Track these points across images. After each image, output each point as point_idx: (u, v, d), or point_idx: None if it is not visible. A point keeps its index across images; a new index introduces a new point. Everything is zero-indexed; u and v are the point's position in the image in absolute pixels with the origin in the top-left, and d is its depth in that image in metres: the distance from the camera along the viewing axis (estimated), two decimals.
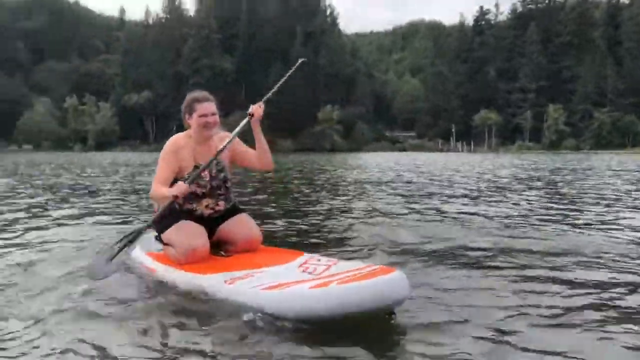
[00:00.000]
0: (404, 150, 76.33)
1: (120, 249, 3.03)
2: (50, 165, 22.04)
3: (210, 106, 3.17)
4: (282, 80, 3.36)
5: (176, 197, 3.00)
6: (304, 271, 2.70)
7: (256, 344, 2.21)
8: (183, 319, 2.49)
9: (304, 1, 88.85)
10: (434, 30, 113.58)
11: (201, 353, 2.13)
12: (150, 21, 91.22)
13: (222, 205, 3.27)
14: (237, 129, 3.27)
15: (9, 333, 2.35)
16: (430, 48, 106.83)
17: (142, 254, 3.33)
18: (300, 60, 3.58)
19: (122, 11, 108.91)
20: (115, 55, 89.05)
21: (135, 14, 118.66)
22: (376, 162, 27.20)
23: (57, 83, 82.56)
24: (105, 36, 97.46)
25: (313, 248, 3.87)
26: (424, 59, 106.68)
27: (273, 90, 3.33)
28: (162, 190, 3.08)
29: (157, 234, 3.26)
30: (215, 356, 2.11)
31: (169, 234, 3.12)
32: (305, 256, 2.98)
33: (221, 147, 3.16)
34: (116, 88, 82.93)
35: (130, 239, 3.06)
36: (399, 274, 2.43)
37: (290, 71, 3.42)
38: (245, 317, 2.39)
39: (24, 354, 2.14)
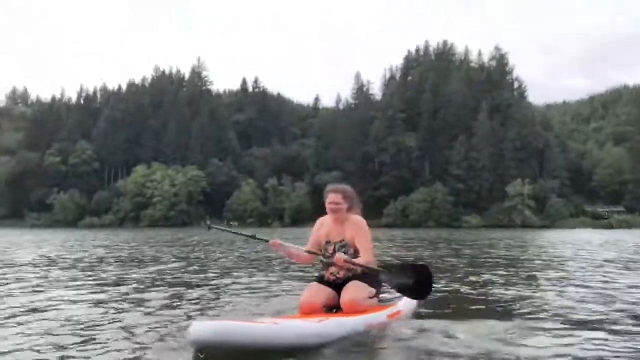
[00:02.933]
0: (611, 227, 68.34)
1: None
2: None
3: (335, 197, 4.15)
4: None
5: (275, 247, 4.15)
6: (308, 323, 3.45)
7: None
8: None
9: (489, 76, 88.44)
10: None
11: None
12: (341, 107, 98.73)
13: (342, 274, 4.09)
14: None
15: None
16: (635, 114, 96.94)
17: None
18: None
19: (317, 99, 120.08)
20: (310, 139, 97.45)
21: (327, 101, 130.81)
22: (575, 239, 24.86)
23: (261, 166, 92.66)
24: (302, 123, 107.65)
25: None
26: (629, 126, 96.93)
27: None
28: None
29: None
30: None
31: None
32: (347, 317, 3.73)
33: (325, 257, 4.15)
34: (310, 169, 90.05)
35: (245, 235, 4.29)
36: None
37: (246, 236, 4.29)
38: None
39: None
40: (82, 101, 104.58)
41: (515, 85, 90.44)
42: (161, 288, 6.21)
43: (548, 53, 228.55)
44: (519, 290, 6.00)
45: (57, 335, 3.65)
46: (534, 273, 8.10)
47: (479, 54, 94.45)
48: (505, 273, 8.02)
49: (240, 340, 2.93)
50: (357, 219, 4.15)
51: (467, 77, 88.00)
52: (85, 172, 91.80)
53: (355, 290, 3.91)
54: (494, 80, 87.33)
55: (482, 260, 10.52)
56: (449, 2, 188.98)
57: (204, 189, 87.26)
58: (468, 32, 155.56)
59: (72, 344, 3.39)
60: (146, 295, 5.56)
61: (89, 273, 7.81)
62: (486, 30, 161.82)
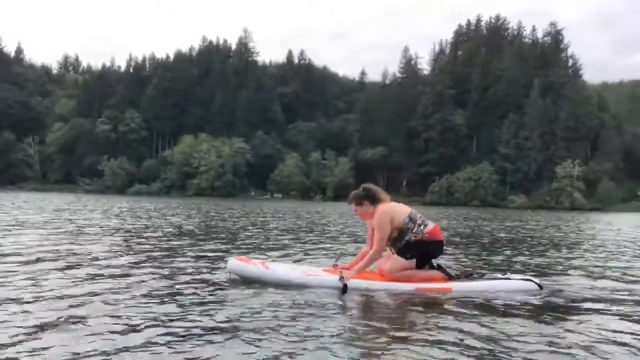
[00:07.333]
0: None
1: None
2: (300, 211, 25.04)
3: (352, 208, 5.15)
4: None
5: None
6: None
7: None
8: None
9: (542, 53, 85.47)
10: None
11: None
12: (387, 81, 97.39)
13: (394, 251, 4.97)
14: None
15: None
16: None
17: None
18: None
19: (363, 73, 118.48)
20: (355, 114, 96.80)
21: (374, 75, 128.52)
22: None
23: (305, 140, 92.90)
24: (347, 97, 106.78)
25: None
26: None
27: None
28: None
29: None
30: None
31: None
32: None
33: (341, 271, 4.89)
34: (354, 144, 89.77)
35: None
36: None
37: None
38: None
39: None
40: (131, 70, 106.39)
41: (570, 63, 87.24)
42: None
43: (607, 29, 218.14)
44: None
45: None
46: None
47: (533, 29, 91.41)
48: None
49: (243, 273, 4.87)
50: (376, 214, 4.88)
51: (519, 53, 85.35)
52: (134, 140, 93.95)
53: (388, 263, 4.85)
54: (547, 58, 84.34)
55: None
56: None
57: (249, 161, 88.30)
58: (522, 7, 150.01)
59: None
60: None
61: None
62: (541, 5, 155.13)
